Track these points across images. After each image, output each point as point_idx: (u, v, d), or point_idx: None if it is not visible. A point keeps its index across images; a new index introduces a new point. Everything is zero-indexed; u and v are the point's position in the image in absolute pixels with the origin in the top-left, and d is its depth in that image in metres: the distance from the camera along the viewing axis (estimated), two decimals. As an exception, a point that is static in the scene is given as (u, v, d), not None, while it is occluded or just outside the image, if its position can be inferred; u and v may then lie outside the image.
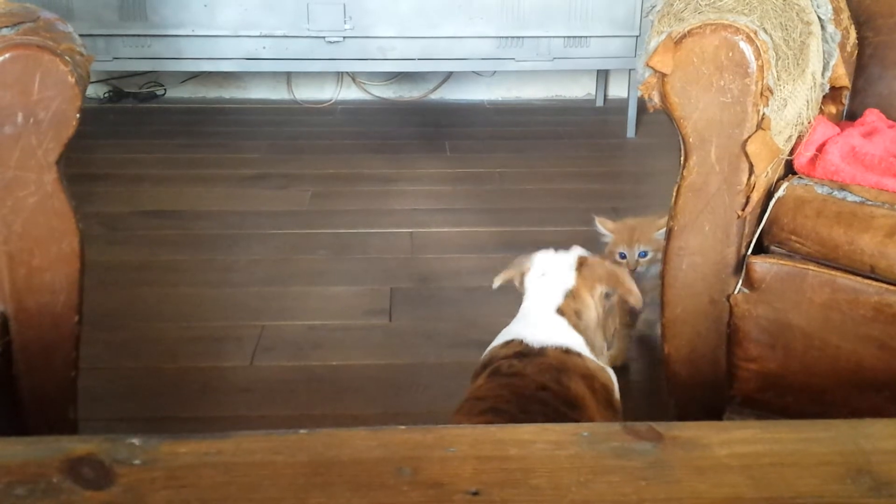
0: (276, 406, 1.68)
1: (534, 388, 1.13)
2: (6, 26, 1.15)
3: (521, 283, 1.31)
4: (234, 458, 0.71)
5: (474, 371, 1.27)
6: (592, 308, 1.26)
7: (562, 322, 1.24)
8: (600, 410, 1.17)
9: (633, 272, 1.63)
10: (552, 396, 1.13)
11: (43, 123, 1.14)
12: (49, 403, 1.29)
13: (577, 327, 1.24)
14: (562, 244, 2.36)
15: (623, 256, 1.70)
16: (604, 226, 1.76)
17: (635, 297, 1.27)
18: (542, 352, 1.19)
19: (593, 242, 1.77)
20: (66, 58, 1.14)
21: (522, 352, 1.20)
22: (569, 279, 1.27)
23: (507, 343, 1.24)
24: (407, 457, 0.71)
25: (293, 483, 0.68)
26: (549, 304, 1.26)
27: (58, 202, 1.19)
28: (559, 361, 1.18)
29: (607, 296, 1.28)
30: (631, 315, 1.80)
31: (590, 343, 1.25)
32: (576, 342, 1.22)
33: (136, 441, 0.72)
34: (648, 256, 1.67)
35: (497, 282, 1.34)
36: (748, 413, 1.37)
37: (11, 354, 1.24)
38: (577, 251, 1.32)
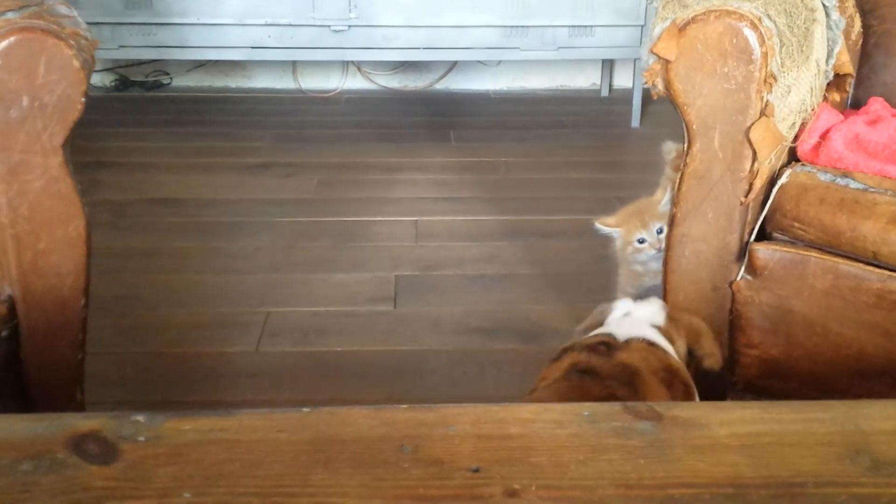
0: (281, 391, 1.69)
1: (608, 392, 1.07)
2: (10, 10, 1.15)
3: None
4: (237, 436, 0.72)
5: (552, 357, 1.19)
6: (679, 344, 1.20)
7: (651, 330, 1.17)
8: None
9: (659, 251, 1.59)
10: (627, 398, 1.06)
11: (48, 107, 1.15)
12: (56, 386, 1.30)
13: (666, 336, 1.18)
14: (566, 234, 2.38)
15: (642, 241, 1.65)
16: (606, 224, 1.71)
17: (714, 359, 1.20)
18: (627, 343, 1.13)
19: (596, 232, 1.77)
20: (71, 42, 1.15)
21: (606, 342, 1.14)
22: (658, 317, 1.20)
23: (594, 335, 1.18)
24: (408, 435, 0.71)
25: (296, 460, 0.69)
26: (642, 321, 1.19)
27: (63, 186, 1.19)
28: (646, 352, 1.12)
29: (690, 353, 1.21)
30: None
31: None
32: (663, 343, 1.16)
33: (140, 418, 0.73)
34: (665, 231, 1.64)
35: (580, 330, 1.25)
36: (750, 398, 1.37)
37: (19, 337, 1.25)
38: (658, 301, 1.26)
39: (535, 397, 1.13)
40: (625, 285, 1.78)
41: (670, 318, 1.21)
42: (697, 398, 1.16)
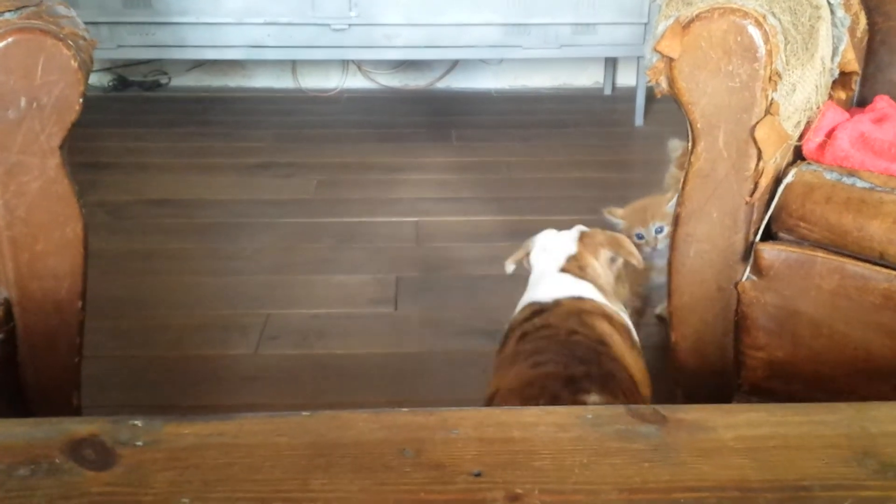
0: (280, 394, 1.68)
1: (565, 334, 1.18)
2: (8, 10, 1.15)
3: (528, 262, 1.38)
4: (236, 440, 0.71)
5: (496, 349, 1.29)
6: (598, 268, 1.32)
7: (566, 276, 1.30)
8: (626, 347, 1.22)
9: (654, 249, 1.66)
10: (584, 338, 1.18)
11: (46, 108, 1.14)
12: (53, 390, 1.29)
13: (583, 278, 1.30)
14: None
15: (640, 237, 1.68)
16: (613, 214, 1.74)
17: (636, 259, 1.33)
18: (557, 303, 1.25)
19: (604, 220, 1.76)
20: (69, 42, 1.14)
21: (538, 310, 1.25)
22: (570, 247, 1.34)
23: (522, 309, 1.29)
24: (410, 438, 0.70)
25: (295, 464, 0.68)
26: (553, 267, 1.32)
27: (61, 187, 1.18)
28: (576, 307, 1.24)
29: (612, 260, 1.34)
30: (642, 303, 1.79)
31: (602, 293, 1.29)
32: (585, 289, 1.28)
33: (138, 422, 0.72)
34: (665, 231, 1.65)
35: (509, 267, 1.41)
36: (755, 401, 1.36)
37: (15, 340, 1.24)
38: (578, 228, 1.39)
39: (508, 377, 1.17)
40: (633, 283, 1.78)
41: (582, 240, 1.34)
42: (636, 337, 1.28)
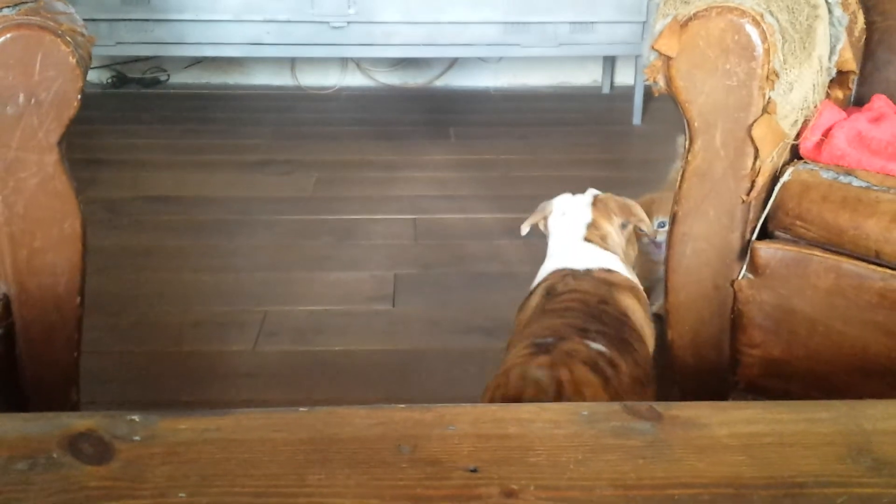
0: (278, 391, 1.69)
1: (596, 302, 1.26)
2: (7, 6, 1.15)
3: (546, 226, 1.46)
4: (233, 435, 0.71)
5: (519, 306, 1.36)
6: (614, 234, 1.40)
7: (593, 247, 1.37)
8: (647, 319, 1.30)
9: (652, 241, 1.71)
10: (612, 308, 1.25)
11: (44, 104, 1.14)
12: (51, 385, 1.29)
13: (607, 249, 1.37)
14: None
15: (664, 224, 1.71)
16: None
17: (646, 224, 1.43)
18: (588, 273, 1.32)
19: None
20: (68, 38, 1.14)
21: (569, 273, 1.32)
22: (587, 214, 1.41)
23: (551, 274, 1.35)
24: (406, 434, 0.71)
25: (292, 460, 0.68)
26: (576, 236, 1.39)
27: (59, 183, 1.19)
28: (606, 279, 1.30)
29: (623, 226, 1.42)
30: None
31: (624, 264, 1.38)
32: (613, 262, 1.35)
33: (135, 417, 0.72)
34: (667, 226, 1.68)
35: (525, 228, 1.48)
36: (751, 398, 1.37)
37: (13, 336, 1.24)
38: (591, 192, 1.47)
39: (531, 325, 1.24)
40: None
41: (596, 206, 1.43)
42: (650, 308, 1.37)
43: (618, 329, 1.21)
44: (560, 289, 1.29)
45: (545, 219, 1.46)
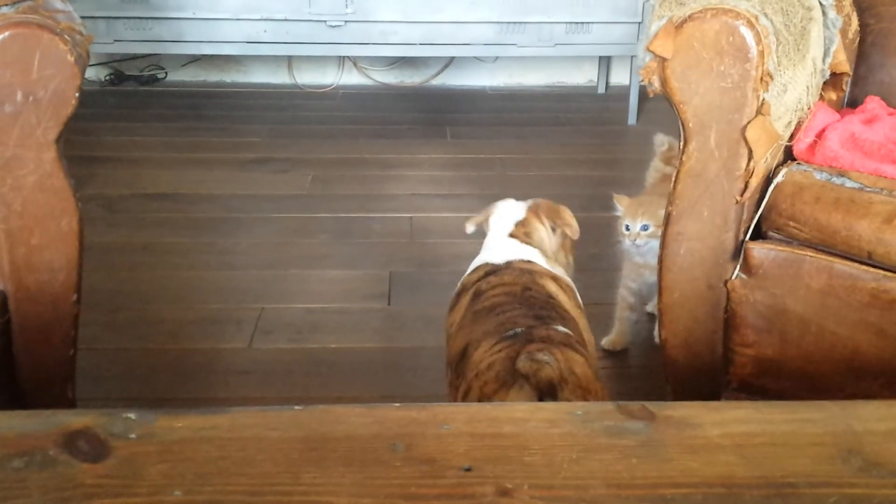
0: (274, 388, 1.69)
1: (520, 290, 1.29)
2: (5, 4, 1.15)
3: (487, 224, 1.52)
4: (229, 434, 0.71)
5: (450, 305, 1.39)
6: (542, 231, 1.45)
7: (514, 241, 1.43)
8: (571, 305, 1.32)
9: (633, 243, 1.72)
10: (537, 293, 1.28)
11: (42, 102, 1.14)
12: (47, 382, 1.29)
13: (528, 244, 1.43)
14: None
15: (627, 229, 1.73)
16: (619, 202, 1.79)
17: (572, 229, 1.46)
18: (508, 265, 1.37)
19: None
20: (66, 37, 1.14)
21: (491, 270, 1.36)
22: (519, 214, 1.48)
23: (475, 270, 1.40)
24: (401, 433, 0.71)
25: (287, 458, 0.69)
26: (503, 232, 1.46)
27: (57, 181, 1.19)
28: (525, 268, 1.35)
29: (553, 229, 1.47)
30: (635, 299, 1.81)
31: (546, 257, 1.42)
32: (531, 254, 1.41)
33: (131, 415, 0.72)
34: (650, 230, 1.70)
35: (469, 227, 1.54)
36: (744, 398, 1.37)
37: (10, 333, 1.24)
38: (532, 199, 1.52)
39: (463, 329, 1.27)
40: (627, 279, 1.80)
41: (532, 208, 1.49)
42: (579, 298, 1.40)
43: (549, 311, 1.24)
44: (484, 287, 1.33)
45: (487, 218, 1.52)
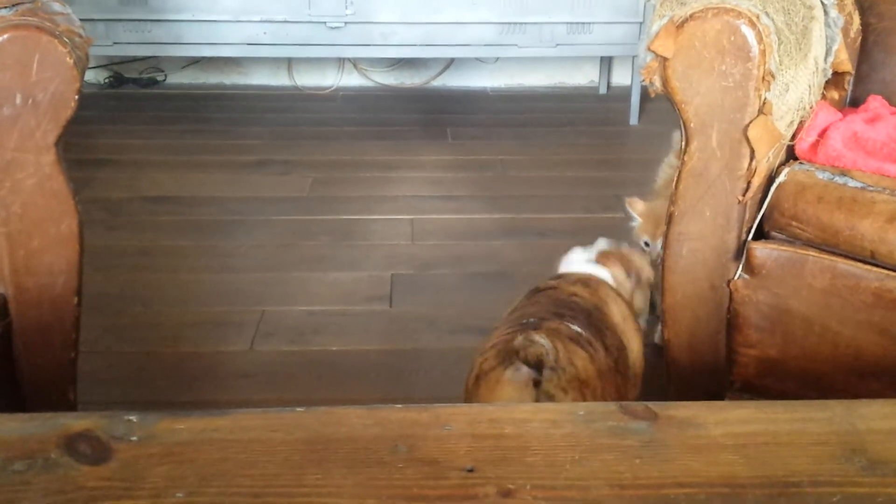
0: (275, 391, 1.69)
1: (567, 295, 1.31)
2: (4, 7, 1.15)
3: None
4: (231, 435, 0.71)
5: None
6: (618, 274, 1.44)
7: (591, 263, 1.43)
8: (621, 318, 1.33)
9: (654, 262, 1.67)
10: (583, 301, 1.29)
11: (41, 105, 1.14)
12: (48, 385, 1.29)
13: (605, 268, 1.43)
14: (563, 232, 2.37)
15: (647, 244, 1.70)
16: (633, 208, 1.74)
17: (647, 272, 1.47)
18: (571, 275, 1.39)
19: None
20: (65, 39, 1.14)
21: (558, 277, 1.38)
22: (589, 263, 1.45)
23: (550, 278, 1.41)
24: (403, 434, 0.71)
25: (289, 460, 0.68)
26: (582, 259, 1.44)
27: (56, 184, 1.19)
28: (584, 279, 1.37)
29: (627, 274, 1.45)
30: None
31: (616, 283, 1.41)
32: (601, 272, 1.41)
33: (133, 418, 0.72)
34: (650, 247, 1.68)
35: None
36: (747, 398, 1.37)
37: (11, 336, 1.24)
38: (600, 242, 1.49)
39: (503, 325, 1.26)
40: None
41: (602, 253, 1.47)
42: (638, 322, 1.41)
43: (587, 317, 1.25)
44: (541, 287, 1.36)
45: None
